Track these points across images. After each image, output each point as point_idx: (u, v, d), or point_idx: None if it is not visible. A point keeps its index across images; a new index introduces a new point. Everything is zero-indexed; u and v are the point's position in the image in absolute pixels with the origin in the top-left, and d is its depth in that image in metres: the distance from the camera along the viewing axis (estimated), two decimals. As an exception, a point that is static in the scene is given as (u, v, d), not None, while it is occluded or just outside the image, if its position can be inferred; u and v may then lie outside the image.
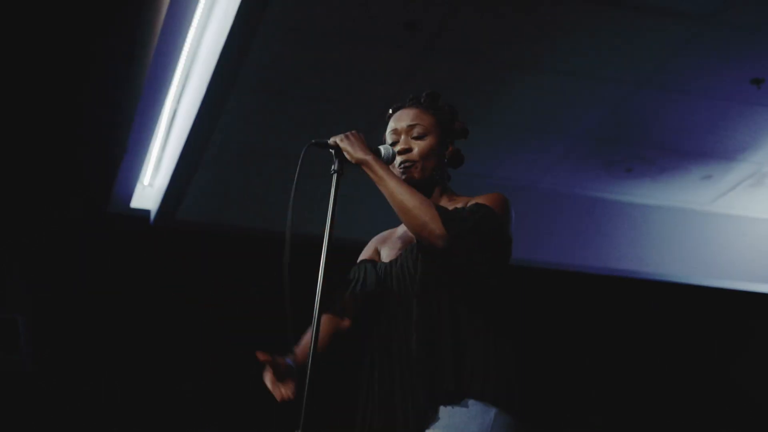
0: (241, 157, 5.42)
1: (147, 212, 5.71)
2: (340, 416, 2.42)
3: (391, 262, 2.29)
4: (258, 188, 5.62)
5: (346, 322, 2.32)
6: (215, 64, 4.21)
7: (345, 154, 2.18)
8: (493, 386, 2.03)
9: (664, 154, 5.58)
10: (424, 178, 2.28)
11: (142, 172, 5.48)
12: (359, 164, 2.17)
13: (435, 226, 2.05)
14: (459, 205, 2.19)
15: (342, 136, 2.22)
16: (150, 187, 5.65)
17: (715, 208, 6.31)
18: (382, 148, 2.28)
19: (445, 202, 2.27)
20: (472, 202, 2.18)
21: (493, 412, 2.01)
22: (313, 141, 2.21)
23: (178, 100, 4.91)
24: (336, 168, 2.19)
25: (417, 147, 2.30)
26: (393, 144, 2.33)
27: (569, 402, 6.13)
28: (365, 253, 2.42)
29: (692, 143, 5.45)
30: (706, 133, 5.33)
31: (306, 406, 1.96)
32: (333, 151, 2.20)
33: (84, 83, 4.57)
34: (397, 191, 2.12)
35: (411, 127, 2.34)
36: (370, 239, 2.47)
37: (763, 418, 6.38)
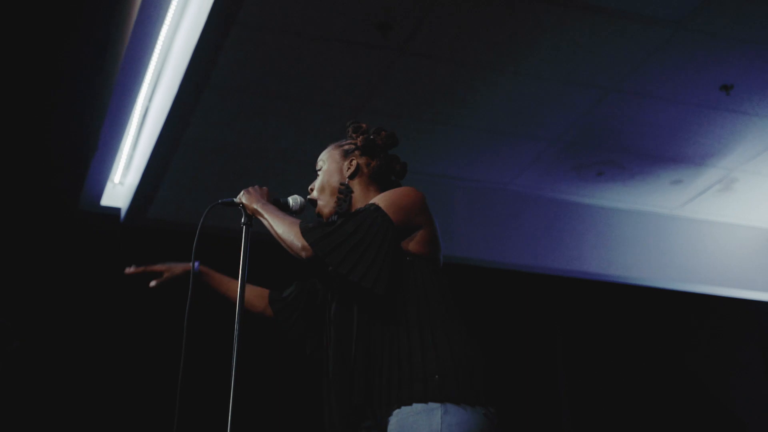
0: (213, 155, 5.40)
1: (117, 210, 5.68)
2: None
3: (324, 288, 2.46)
4: (229, 187, 5.56)
5: (268, 311, 2.59)
6: (188, 63, 4.20)
7: (245, 207, 2.38)
8: (429, 383, 2.04)
9: (634, 159, 5.63)
10: (329, 210, 2.42)
11: (113, 170, 5.44)
12: (254, 214, 2.35)
13: (297, 240, 2.18)
14: None
15: (244, 191, 2.40)
16: (120, 185, 5.62)
17: (684, 213, 6.38)
18: (290, 198, 2.45)
19: None
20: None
21: (439, 408, 2.02)
22: (219, 201, 2.44)
23: (150, 98, 4.88)
24: (244, 221, 2.38)
25: (315, 185, 2.48)
26: None
27: (536, 400, 6.16)
28: None
29: (662, 148, 5.50)
30: (676, 138, 5.38)
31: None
32: (240, 207, 2.40)
33: (55, 80, 4.53)
34: (272, 224, 2.28)
35: (316, 171, 2.51)
36: None
37: (728, 417, 6.45)
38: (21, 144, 4.90)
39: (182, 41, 4.33)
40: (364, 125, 2.52)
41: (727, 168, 5.71)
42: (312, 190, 2.46)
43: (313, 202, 2.44)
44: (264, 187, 2.40)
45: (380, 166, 2.45)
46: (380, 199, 2.23)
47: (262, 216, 2.31)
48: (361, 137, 2.48)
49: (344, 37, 4.41)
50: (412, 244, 2.23)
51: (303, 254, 2.17)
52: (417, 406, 2.03)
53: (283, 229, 2.22)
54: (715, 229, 6.52)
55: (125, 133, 5.09)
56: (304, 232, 2.17)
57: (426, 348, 2.09)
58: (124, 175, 5.54)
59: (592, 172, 5.80)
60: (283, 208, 2.40)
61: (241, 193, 2.40)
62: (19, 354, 4.79)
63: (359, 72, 4.67)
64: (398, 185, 2.44)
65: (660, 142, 5.44)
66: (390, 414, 2.07)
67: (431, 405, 2.02)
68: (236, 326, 2.23)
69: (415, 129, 5.18)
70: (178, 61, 4.40)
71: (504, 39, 4.47)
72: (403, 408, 2.04)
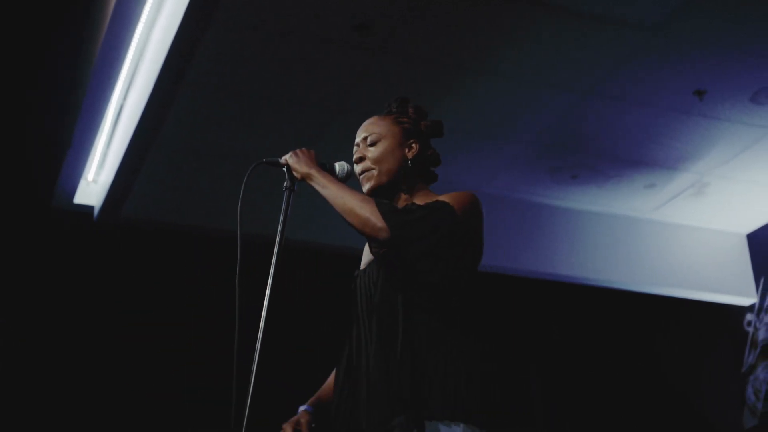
0: (188, 154, 5.37)
1: (90, 208, 5.64)
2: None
3: (359, 272, 2.31)
4: (204, 186, 5.58)
5: None
6: (163, 60, 4.17)
7: (293, 170, 2.24)
8: (456, 400, 2.00)
9: (608, 162, 5.66)
10: (383, 183, 2.32)
11: (87, 167, 5.41)
12: (304, 179, 2.22)
13: (376, 219, 2.06)
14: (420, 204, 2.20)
15: (291, 153, 2.27)
16: (94, 183, 5.58)
17: (657, 216, 6.42)
18: (337, 164, 2.33)
19: (416, 202, 2.28)
20: (435, 200, 2.20)
21: (460, 428, 1.98)
22: (264, 160, 2.27)
23: (124, 96, 4.86)
24: (287, 185, 2.25)
25: (369, 153, 2.34)
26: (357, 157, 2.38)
27: (508, 403, 6.17)
28: (362, 262, 2.44)
29: (636, 152, 5.54)
30: (650, 142, 5.42)
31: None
32: (285, 169, 2.26)
33: (29, 76, 4.49)
34: (338, 194, 2.15)
35: (365, 137, 2.37)
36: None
37: (699, 420, 6.50)
38: (-7, 140, 4.85)
39: (158, 38, 4.31)
40: (422, 107, 2.45)
41: (699, 172, 5.77)
42: (363, 158, 2.34)
43: (365, 170, 2.33)
44: (311, 150, 2.28)
45: (435, 157, 2.41)
46: (452, 200, 2.16)
47: (318, 183, 2.19)
48: (424, 122, 2.41)
49: (323, 37, 4.40)
50: (468, 251, 2.20)
51: (380, 234, 2.05)
52: (438, 424, 1.99)
53: (356, 204, 2.10)
54: (687, 232, 6.57)
55: (99, 131, 5.06)
56: (385, 214, 2.07)
57: (463, 362, 2.05)
58: (98, 173, 5.51)
59: (567, 175, 5.83)
60: (329, 173, 2.28)
61: (288, 154, 2.26)
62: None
63: (336, 72, 4.67)
64: (435, 178, 2.41)
65: (634, 145, 5.47)
66: (421, 422, 2.00)
67: (451, 424, 1.99)
68: (263, 318, 2.11)
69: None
70: (153, 58, 4.38)
71: (481, 41, 4.49)
72: (424, 423, 1.99)
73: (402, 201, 2.32)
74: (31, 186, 5.33)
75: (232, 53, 4.51)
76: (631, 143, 5.45)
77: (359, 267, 2.36)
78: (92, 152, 5.26)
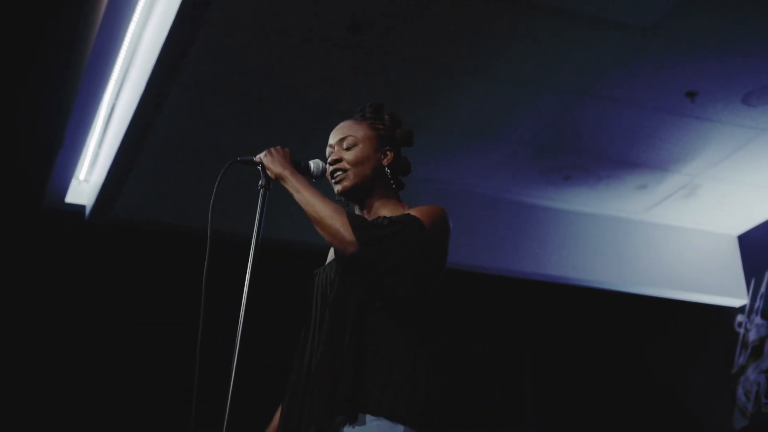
0: (180, 154, 5.36)
1: (82, 208, 5.62)
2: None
3: (319, 270, 2.31)
4: (196, 186, 5.54)
5: None
6: (155, 60, 4.16)
7: (267, 170, 2.24)
8: (399, 401, 1.98)
9: (601, 163, 5.67)
10: (356, 185, 2.30)
11: (78, 167, 5.39)
12: (278, 179, 2.21)
13: (345, 233, 2.06)
14: (391, 215, 2.19)
15: (266, 151, 2.26)
16: (86, 182, 5.56)
17: (649, 218, 6.44)
18: (311, 162, 2.32)
19: (385, 212, 2.27)
20: (406, 212, 2.18)
21: (400, 429, 1.97)
22: (238, 158, 2.28)
23: (116, 95, 4.84)
24: (262, 183, 2.25)
25: (346, 156, 2.32)
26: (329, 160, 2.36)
27: (502, 403, 6.18)
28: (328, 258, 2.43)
29: (628, 153, 5.55)
30: (642, 143, 5.44)
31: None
32: (260, 168, 2.26)
33: (21, 74, 4.47)
34: (310, 201, 2.14)
35: (342, 139, 2.35)
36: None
37: (690, 420, 6.52)
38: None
39: (150, 38, 4.30)
40: (397, 115, 2.43)
41: (690, 174, 5.78)
42: (339, 160, 2.31)
43: (341, 171, 2.30)
44: (286, 149, 2.27)
45: (406, 166, 2.40)
46: (422, 215, 2.15)
47: (291, 185, 2.18)
48: (399, 131, 2.41)
49: (316, 37, 4.40)
50: (437, 264, 2.18)
51: (348, 248, 2.05)
52: (379, 422, 1.98)
53: (328, 214, 2.09)
54: (679, 234, 6.59)
55: (91, 130, 5.05)
56: (356, 228, 2.06)
57: (415, 367, 2.03)
58: (89, 172, 5.49)
59: (560, 175, 5.84)
60: (303, 172, 2.27)
61: (263, 153, 2.25)
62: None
63: (330, 72, 4.67)
64: (402, 186, 2.40)
65: (626, 147, 5.48)
66: (357, 420, 1.99)
67: (393, 424, 1.97)
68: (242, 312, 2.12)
69: (384, 130, 5.19)
70: (145, 57, 4.37)
71: (476, 42, 4.49)
72: (366, 420, 1.98)
73: (371, 208, 2.31)
74: (23, 185, 5.32)
75: (227, 52, 4.51)
76: (623, 144, 5.46)
77: (321, 265, 2.36)
78: (84, 152, 5.25)
